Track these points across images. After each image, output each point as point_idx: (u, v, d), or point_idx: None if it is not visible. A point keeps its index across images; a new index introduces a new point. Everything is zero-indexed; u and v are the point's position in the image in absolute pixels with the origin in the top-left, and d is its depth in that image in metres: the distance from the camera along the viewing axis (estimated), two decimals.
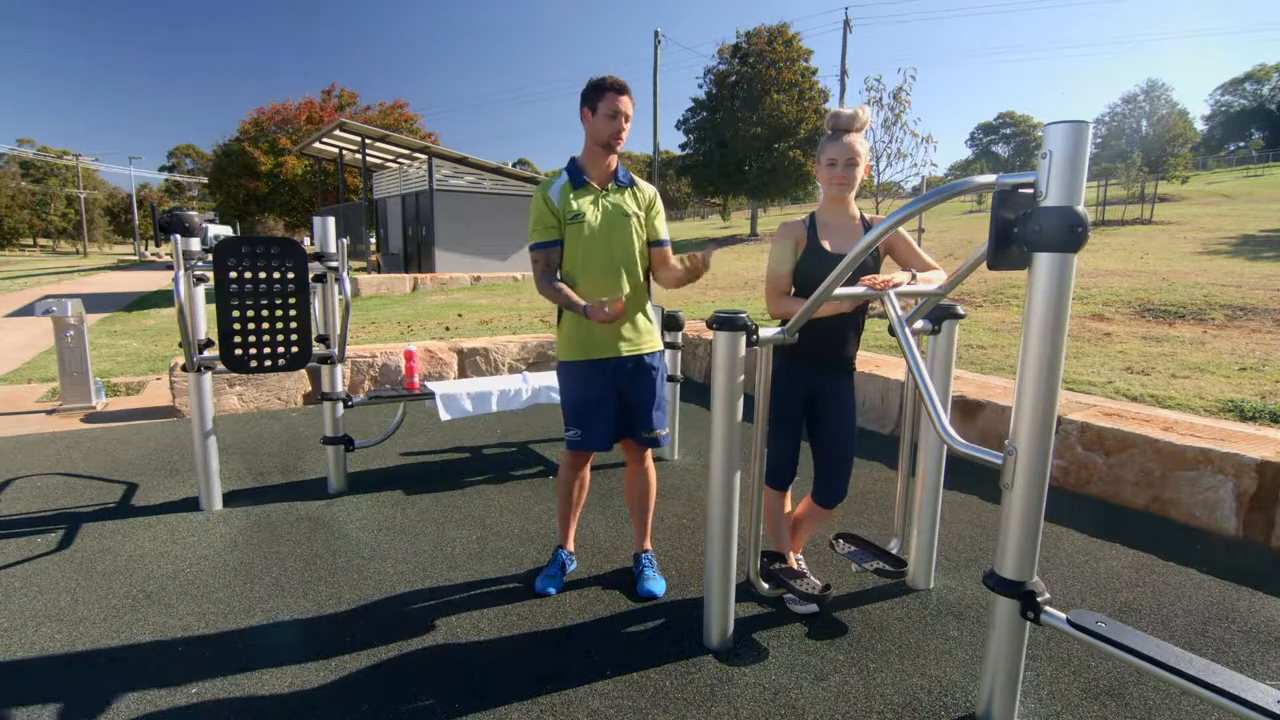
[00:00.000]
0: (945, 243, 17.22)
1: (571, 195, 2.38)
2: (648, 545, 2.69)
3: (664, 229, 2.55)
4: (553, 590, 2.55)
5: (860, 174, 2.26)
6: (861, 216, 2.36)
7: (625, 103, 2.33)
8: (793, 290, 2.31)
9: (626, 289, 2.41)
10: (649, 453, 2.59)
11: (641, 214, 2.47)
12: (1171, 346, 5.82)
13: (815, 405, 2.38)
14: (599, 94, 2.34)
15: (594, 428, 2.44)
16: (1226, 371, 4.83)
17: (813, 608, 2.41)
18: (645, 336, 2.50)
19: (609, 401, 2.44)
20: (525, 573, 2.69)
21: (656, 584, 2.55)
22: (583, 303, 2.28)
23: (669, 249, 2.55)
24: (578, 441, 2.46)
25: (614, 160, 2.43)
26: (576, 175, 2.41)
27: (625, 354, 2.44)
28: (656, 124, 27.66)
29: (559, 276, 2.42)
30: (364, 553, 2.88)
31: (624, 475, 2.69)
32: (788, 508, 2.50)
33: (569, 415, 2.48)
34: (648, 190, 2.51)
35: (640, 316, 2.49)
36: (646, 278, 2.51)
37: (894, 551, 2.57)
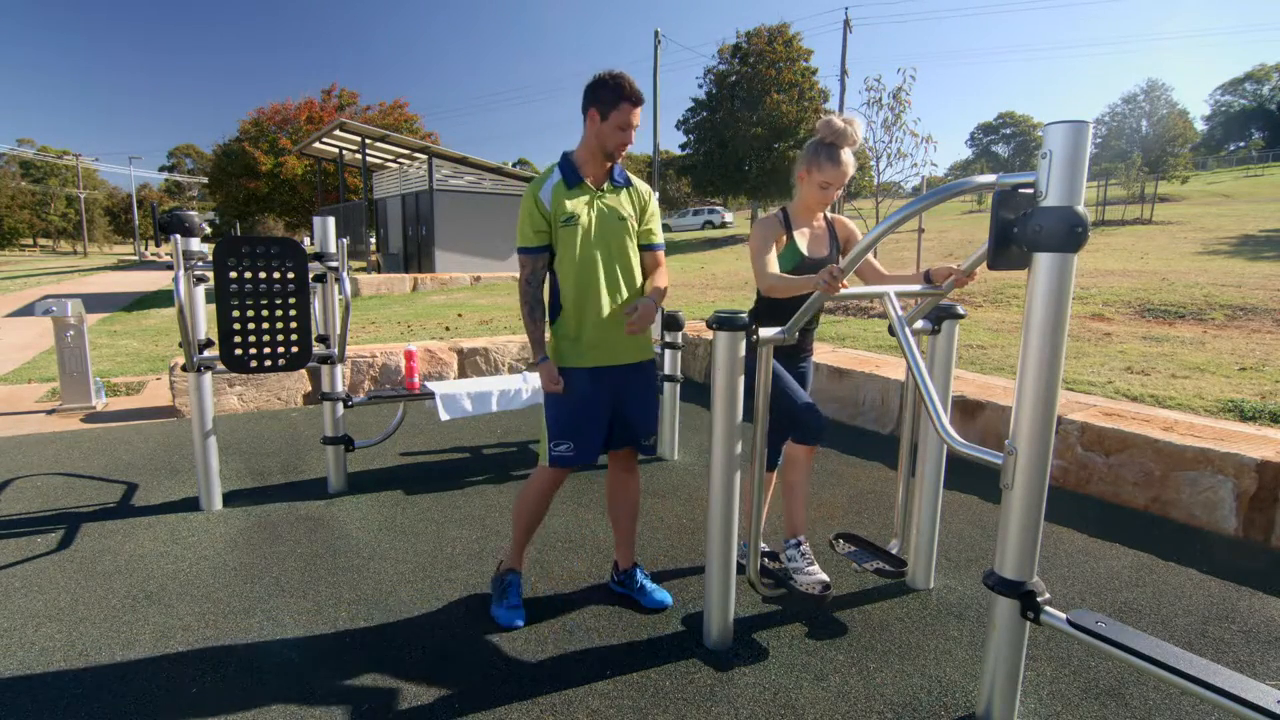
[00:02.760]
0: (945, 243, 17.22)
1: (565, 196, 2.24)
2: (637, 558, 2.61)
3: (657, 232, 2.41)
4: (520, 621, 2.34)
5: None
6: (826, 219, 2.45)
7: (639, 115, 2.22)
8: (764, 295, 2.39)
9: (625, 295, 2.31)
10: (636, 460, 2.50)
11: (637, 216, 2.35)
12: (1171, 346, 5.82)
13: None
14: (616, 101, 2.17)
15: (587, 440, 2.30)
16: (1226, 371, 4.83)
17: (820, 579, 2.42)
18: (645, 343, 2.40)
19: (604, 412, 2.32)
20: (525, 572, 2.69)
21: (665, 593, 2.50)
22: (544, 353, 2.25)
23: (660, 254, 2.42)
24: (569, 456, 2.29)
25: (611, 161, 2.32)
26: (571, 174, 2.26)
27: (626, 361, 2.33)
28: (656, 124, 27.67)
29: (553, 284, 2.31)
30: (364, 553, 2.87)
31: (608, 485, 2.53)
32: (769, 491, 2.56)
33: (559, 427, 2.30)
34: (644, 191, 2.39)
35: None
36: (643, 282, 2.40)
37: (894, 551, 2.57)
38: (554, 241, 2.26)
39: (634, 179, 2.41)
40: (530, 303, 2.28)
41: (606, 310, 2.28)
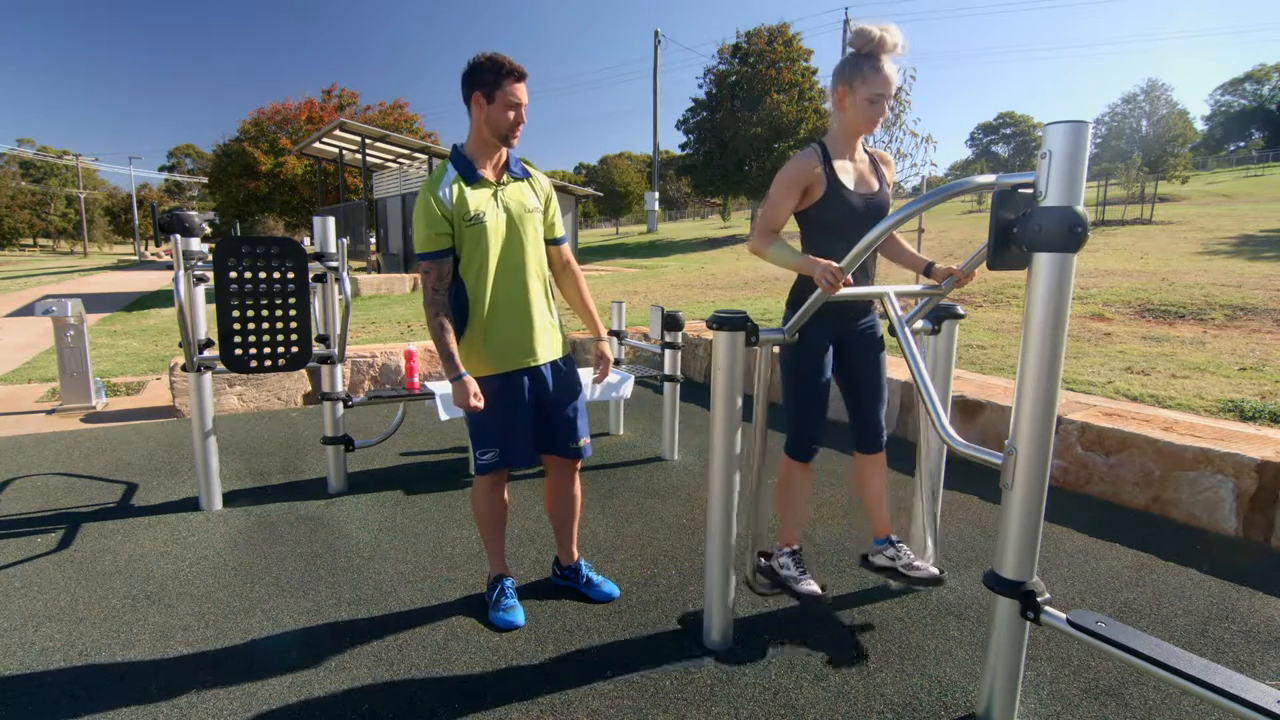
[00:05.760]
0: (945, 243, 17.22)
1: (467, 193, 2.09)
2: (577, 555, 2.58)
3: (560, 225, 2.34)
4: (520, 620, 2.33)
5: None
6: (867, 151, 2.26)
7: (525, 91, 2.08)
8: (807, 236, 2.22)
9: (536, 291, 2.23)
10: (578, 466, 2.45)
11: (543, 209, 2.25)
12: (1171, 346, 5.82)
13: (841, 353, 2.31)
14: (498, 80, 2.04)
15: (514, 444, 2.24)
16: (1226, 371, 4.83)
17: (814, 590, 2.30)
18: (557, 341, 2.32)
19: (528, 415, 2.25)
20: (525, 572, 2.69)
21: (611, 585, 2.52)
22: (460, 370, 2.09)
23: (567, 248, 2.38)
24: (495, 462, 2.24)
25: (505, 150, 2.19)
26: (468, 170, 2.12)
27: (542, 362, 2.26)
28: (656, 124, 27.71)
29: (460, 289, 2.16)
30: (364, 553, 2.87)
31: (546, 489, 2.50)
32: (807, 489, 2.41)
33: (482, 435, 2.23)
34: (545, 182, 2.29)
35: (550, 320, 2.30)
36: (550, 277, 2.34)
37: (929, 563, 2.49)
38: (457, 243, 2.14)
39: (532, 169, 2.29)
40: (441, 314, 2.11)
41: (519, 309, 2.20)
